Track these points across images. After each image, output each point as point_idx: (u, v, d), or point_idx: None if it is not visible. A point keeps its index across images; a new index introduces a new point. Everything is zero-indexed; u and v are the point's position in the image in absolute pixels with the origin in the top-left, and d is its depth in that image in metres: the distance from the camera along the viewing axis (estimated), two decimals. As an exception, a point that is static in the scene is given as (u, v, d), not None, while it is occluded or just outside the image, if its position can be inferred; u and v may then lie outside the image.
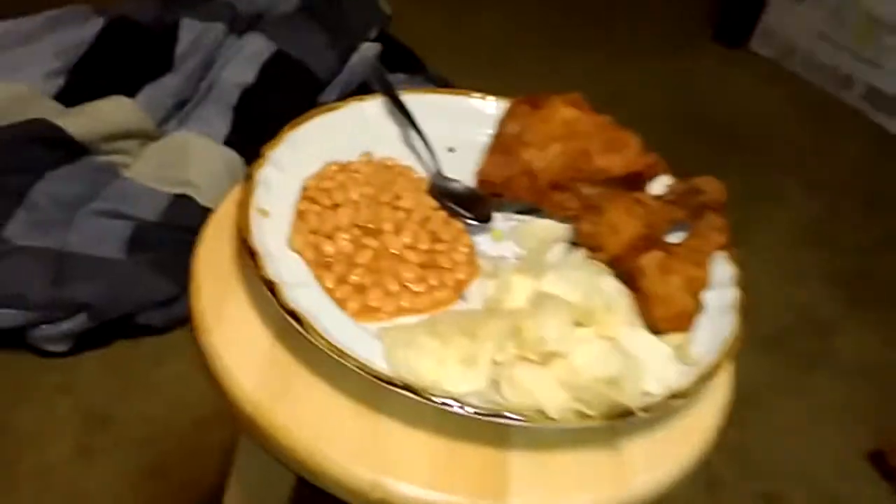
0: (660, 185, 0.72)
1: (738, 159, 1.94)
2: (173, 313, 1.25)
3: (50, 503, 1.08)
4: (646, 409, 0.53)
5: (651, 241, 0.65)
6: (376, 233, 0.63)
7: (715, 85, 2.27)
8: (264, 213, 0.61)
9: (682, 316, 0.61)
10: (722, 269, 0.65)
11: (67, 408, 1.19)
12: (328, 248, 0.61)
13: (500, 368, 0.55)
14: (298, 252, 0.60)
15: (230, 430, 0.60)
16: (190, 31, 1.50)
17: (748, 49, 2.46)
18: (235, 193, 0.65)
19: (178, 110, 1.47)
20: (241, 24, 1.58)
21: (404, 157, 0.71)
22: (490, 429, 0.54)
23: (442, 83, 1.78)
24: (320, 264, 0.60)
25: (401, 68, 1.79)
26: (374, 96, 0.74)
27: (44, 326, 1.19)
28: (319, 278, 0.59)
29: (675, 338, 0.59)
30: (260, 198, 0.62)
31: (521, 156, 0.68)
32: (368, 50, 1.69)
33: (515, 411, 0.52)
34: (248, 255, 0.57)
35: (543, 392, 0.54)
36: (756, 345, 1.46)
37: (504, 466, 0.54)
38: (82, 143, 1.31)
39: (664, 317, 0.60)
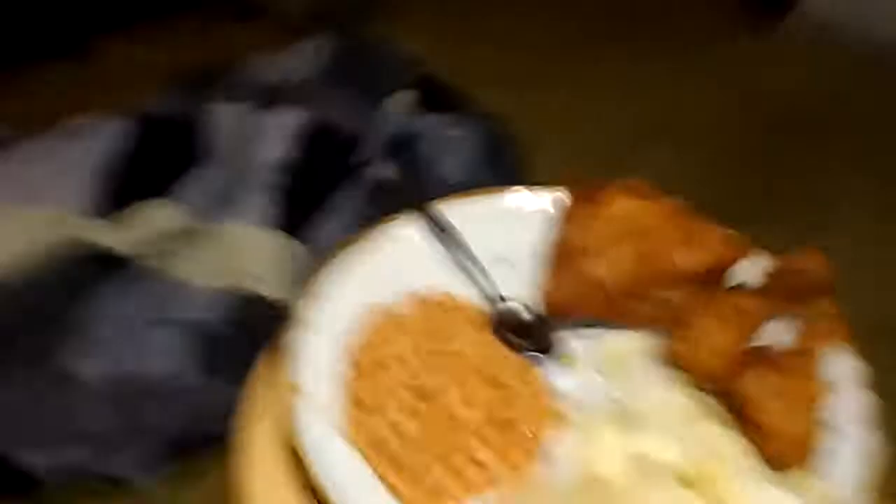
0: (747, 269, 0.62)
1: (799, 143, 1.78)
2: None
3: None
4: None
5: (752, 352, 0.55)
6: (431, 393, 0.55)
7: (755, 71, 2.12)
8: (301, 390, 0.54)
9: (804, 446, 0.51)
10: (843, 367, 0.55)
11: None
12: (378, 423, 0.53)
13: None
14: (346, 437, 0.52)
15: None
16: (217, 117, 1.43)
17: (785, 29, 2.29)
18: (268, 367, 0.58)
19: (219, 200, 1.41)
20: (265, 98, 1.51)
21: (454, 284, 0.62)
22: None
23: (489, 118, 1.69)
24: (372, 445, 0.52)
25: (443, 107, 1.70)
26: (410, 218, 0.65)
27: (114, 456, 1.14)
28: (373, 466, 0.51)
29: (800, 476, 0.50)
30: (295, 372, 0.54)
31: (583, 267, 0.59)
32: (405, 98, 1.61)
33: None
34: (291, 452, 0.50)
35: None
36: None
37: None
38: (124, 255, 1.26)
39: (782, 451, 0.51)
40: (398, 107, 1.59)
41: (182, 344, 1.23)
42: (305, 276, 1.36)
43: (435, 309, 0.60)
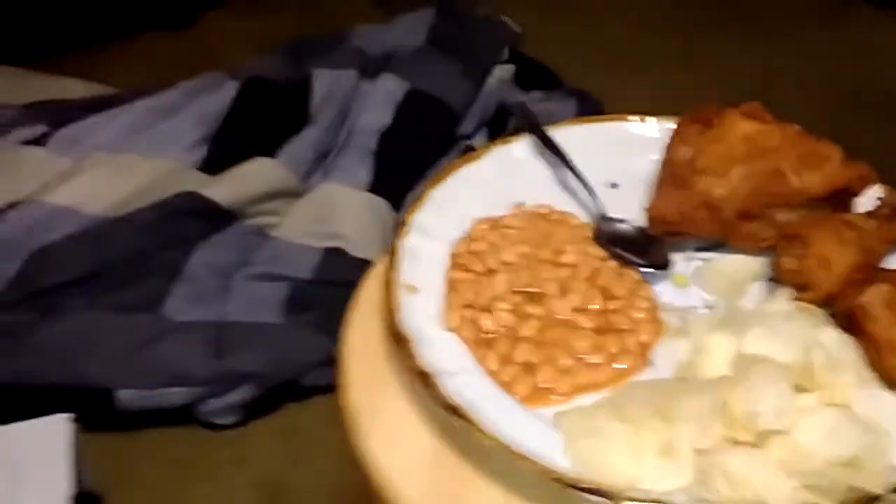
0: (868, 199, 0.60)
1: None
2: (337, 373, 1.21)
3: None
4: (901, 494, 0.43)
5: (869, 271, 0.53)
6: (540, 297, 0.55)
7: (875, 50, 2.04)
8: (413, 288, 0.55)
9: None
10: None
11: (243, 480, 1.17)
12: (487, 322, 0.53)
13: (707, 456, 0.45)
14: (454, 331, 0.53)
15: None
16: (323, 82, 1.47)
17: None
18: (380, 268, 0.59)
19: (320, 163, 1.44)
20: (371, 67, 1.54)
21: (561, 203, 0.62)
22: (704, 531, 0.45)
23: (580, 95, 1.68)
24: (480, 343, 0.52)
25: (536, 86, 1.70)
26: (518, 137, 0.66)
27: (211, 400, 1.17)
28: (481, 360, 0.52)
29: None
30: (406, 272, 0.55)
31: (697, 185, 0.58)
32: (503, 73, 1.62)
33: (734, 510, 0.43)
34: (398, 342, 0.51)
35: (765, 482, 0.44)
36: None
37: (725, 573, 0.44)
38: (230, 209, 1.30)
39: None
40: (497, 81, 1.60)
41: (277, 297, 1.27)
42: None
43: (543, 222, 0.60)
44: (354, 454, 0.51)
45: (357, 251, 1.34)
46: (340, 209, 1.37)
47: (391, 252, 0.56)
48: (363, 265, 1.40)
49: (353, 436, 0.51)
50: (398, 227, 0.58)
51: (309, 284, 1.29)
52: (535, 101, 1.65)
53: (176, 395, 1.17)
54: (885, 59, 2.00)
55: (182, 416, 1.21)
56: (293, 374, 1.21)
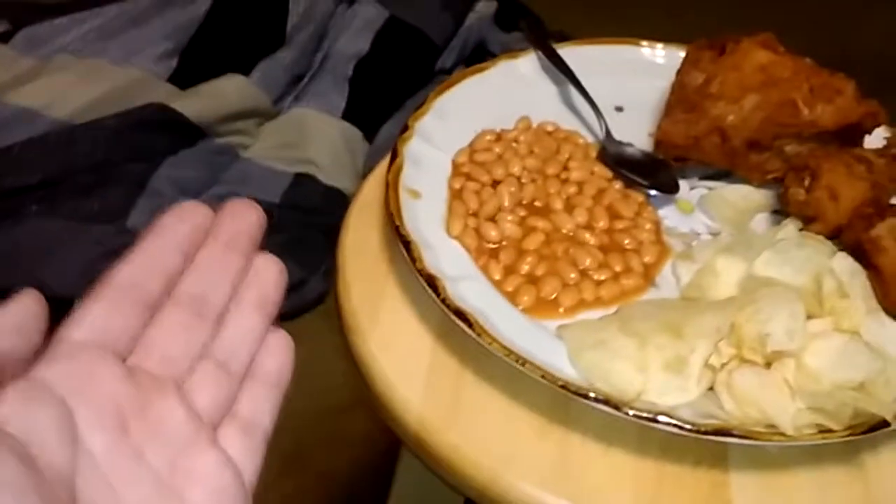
0: (875, 138, 0.59)
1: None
2: (304, 297, 1.19)
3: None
4: (905, 420, 0.43)
5: (879, 206, 0.53)
6: (545, 212, 0.54)
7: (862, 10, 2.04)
8: (415, 194, 0.53)
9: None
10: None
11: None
12: (492, 232, 0.52)
13: (714, 374, 0.45)
14: (458, 239, 0.52)
15: (372, 418, 0.53)
16: (300, 3, 1.42)
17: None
18: (379, 173, 0.57)
19: (294, 86, 1.40)
20: (351, -7, 1.50)
21: (567, 121, 0.61)
22: (706, 448, 0.44)
23: (561, 38, 1.66)
24: (484, 252, 0.51)
25: (517, 28, 1.68)
26: (526, 53, 0.64)
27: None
28: (485, 269, 0.50)
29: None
30: (409, 176, 0.53)
31: (708, 111, 0.57)
32: (484, 9, 1.59)
33: (740, 427, 0.42)
34: (401, 245, 0.49)
35: (772, 402, 0.43)
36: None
37: (724, 492, 0.44)
38: (199, 125, 1.26)
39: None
40: (478, 17, 1.57)
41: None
42: (365, 168, 1.36)
43: (549, 138, 0.58)
44: (353, 357, 0.49)
45: (327, 178, 1.31)
46: (313, 135, 1.34)
47: (393, 155, 0.54)
48: (332, 193, 1.38)
49: (352, 338, 0.49)
50: (402, 131, 0.56)
51: (277, 208, 1.26)
52: (514, 41, 1.63)
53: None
54: (871, 19, 2.00)
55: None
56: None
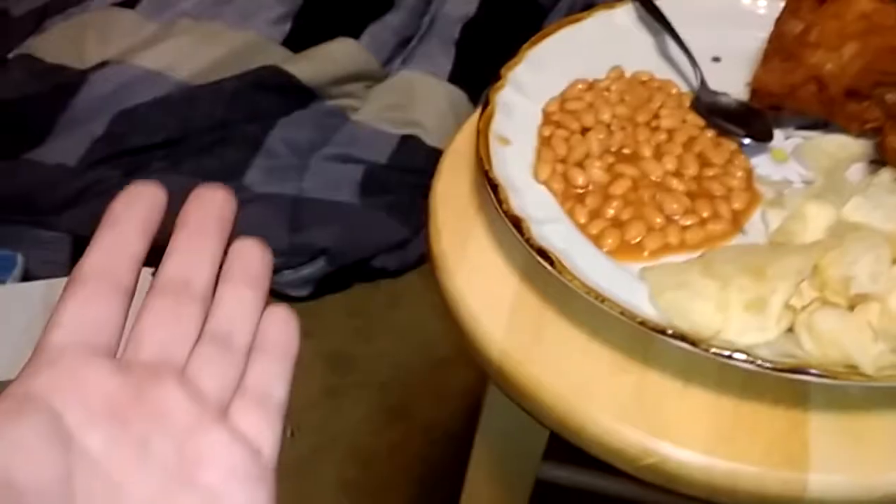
0: None
1: None
2: (406, 257, 1.23)
3: (299, 443, 1.10)
4: None
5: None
6: (634, 159, 0.54)
7: None
8: (505, 141, 0.55)
9: None
10: None
11: (312, 351, 1.21)
12: (579, 178, 0.53)
13: (796, 315, 0.45)
14: (545, 184, 0.53)
15: (473, 371, 0.55)
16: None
17: None
18: (472, 122, 0.59)
19: (402, 49, 1.43)
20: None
21: (661, 71, 0.61)
22: (786, 387, 0.45)
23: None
24: (571, 197, 0.53)
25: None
26: (623, 3, 0.64)
27: (285, 272, 1.20)
28: (570, 213, 0.52)
29: None
30: (500, 124, 0.55)
31: (806, 59, 0.57)
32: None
33: (820, 366, 0.43)
34: (490, 188, 0.51)
35: (854, 343, 0.43)
36: None
37: (802, 432, 0.45)
38: (311, 87, 1.31)
39: None
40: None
41: (353, 178, 1.28)
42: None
43: (641, 87, 0.59)
44: (441, 295, 0.52)
45: (432, 140, 1.34)
46: (419, 97, 1.37)
47: (484, 104, 0.56)
48: (437, 154, 1.41)
49: (441, 277, 0.52)
50: (494, 80, 0.58)
51: (384, 169, 1.30)
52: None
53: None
54: None
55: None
56: (364, 253, 1.23)
